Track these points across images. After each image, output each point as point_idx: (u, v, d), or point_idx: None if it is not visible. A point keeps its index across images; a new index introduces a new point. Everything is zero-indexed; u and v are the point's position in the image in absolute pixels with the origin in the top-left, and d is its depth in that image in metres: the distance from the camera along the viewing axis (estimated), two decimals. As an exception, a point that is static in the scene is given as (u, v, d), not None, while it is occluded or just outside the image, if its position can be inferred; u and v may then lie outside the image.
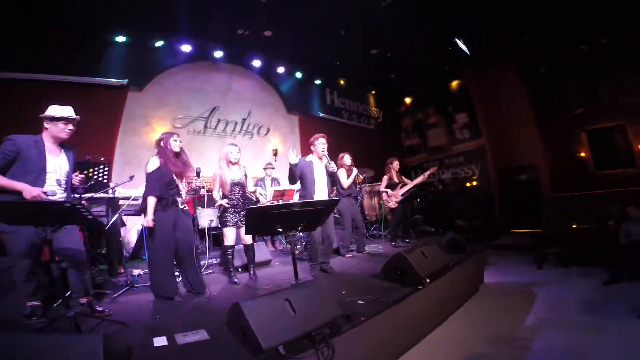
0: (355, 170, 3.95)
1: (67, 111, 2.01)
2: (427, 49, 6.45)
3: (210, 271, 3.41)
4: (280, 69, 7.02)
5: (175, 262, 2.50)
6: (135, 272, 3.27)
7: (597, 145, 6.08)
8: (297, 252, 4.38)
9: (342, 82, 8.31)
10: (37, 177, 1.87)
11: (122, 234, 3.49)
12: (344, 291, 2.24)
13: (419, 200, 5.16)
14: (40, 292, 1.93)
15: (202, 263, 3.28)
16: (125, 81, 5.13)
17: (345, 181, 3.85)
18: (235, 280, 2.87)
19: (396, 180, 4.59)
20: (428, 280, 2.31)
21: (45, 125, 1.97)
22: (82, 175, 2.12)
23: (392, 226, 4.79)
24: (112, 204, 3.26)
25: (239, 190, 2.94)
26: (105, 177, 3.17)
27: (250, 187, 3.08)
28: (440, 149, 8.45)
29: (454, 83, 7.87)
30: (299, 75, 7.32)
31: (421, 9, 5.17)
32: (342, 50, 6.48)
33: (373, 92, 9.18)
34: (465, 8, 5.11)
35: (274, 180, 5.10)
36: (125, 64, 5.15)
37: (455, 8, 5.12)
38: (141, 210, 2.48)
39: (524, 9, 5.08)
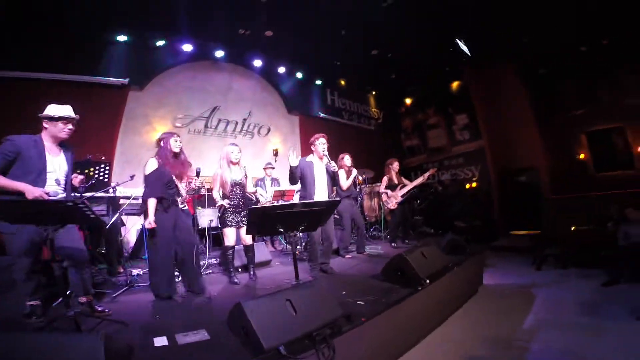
0: (354, 171, 3.94)
1: (66, 110, 2.00)
2: (427, 50, 6.47)
3: (210, 271, 3.41)
4: (281, 69, 7.03)
5: (175, 263, 2.50)
6: (135, 271, 3.27)
7: (597, 146, 6.10)
8: (297, 252, 4.38)
9: (342, 82, 8.32)
10: (38, 177, 1.87)
11: (122, 233, 3.48)
12: (344, 292, 2.25)
13: (419, 201, 5.17)
14: (40, 292, 1.92)
15: (202, 263, 3.28)
16: (126, 80, 5.13)
17: (345, 182, 3.85)
18: (235, 280, 2.87)
19: (396, 181, 4.60)
20: (428, 281, 2.32)
21: (45, 125, 1.96)
22: (82, 176, 2.11)
23: (392, 227, 4.80)
24: (113, 203, 3.26)
25: (239, 191, 2.94)
26: (106, 176, 3.17)
27: (250, 188, 3.07)
28: (440, 150, 8.46)
29: (454, 84, 7.89)
30: (299, 75, 7.33)
31: (422, 10, 5.19)
32: (342, 50, 6.50)
33: (373, 92, 9.19)
34: (465, 9, 5.12)
35: (274, 180, 5.10)
36: (126, 63, 5.15)
37: (455, 9, 5.13)
38: (142, 212, 2.48)
39: (524, 10, 5.10)
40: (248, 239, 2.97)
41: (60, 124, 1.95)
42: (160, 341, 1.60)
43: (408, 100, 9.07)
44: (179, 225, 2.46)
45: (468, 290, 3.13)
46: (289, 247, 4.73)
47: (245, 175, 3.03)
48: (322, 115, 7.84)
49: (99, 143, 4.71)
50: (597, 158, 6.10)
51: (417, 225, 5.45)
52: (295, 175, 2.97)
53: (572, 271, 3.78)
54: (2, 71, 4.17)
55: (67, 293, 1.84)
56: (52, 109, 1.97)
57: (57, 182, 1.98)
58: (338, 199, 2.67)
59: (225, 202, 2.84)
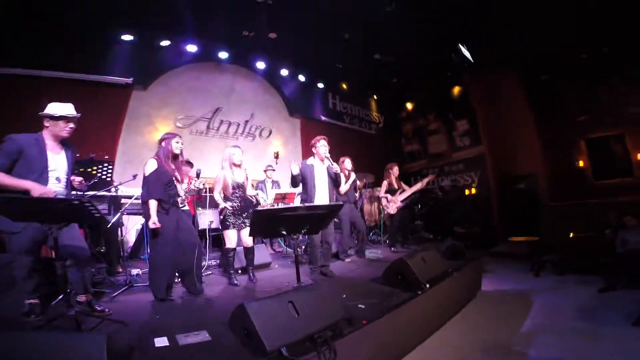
0: (353, 175, 3.94)
1: (67, 109, 1.99)
2: (428, 55, 6.53)
3: (210, 272, 3.42)
4: (284, 72, 7.06)
5: (176, 264, 2.50)
6: (134, 271, 3.26)
7: (596, 153, 6.14)
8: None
9: (344, 86, 8.37)
10: (40, 176, 1.87)
11: (122, 233, 3.48)
12: (345, 295, 2.25)
13: (419, 206, 5.20)
14: (39, 290, 1.92)
15: (202, 264, 3.28)
16: (130, 80, 5.16)
17: (343, 186, 3.84)
18: (235, 282, 2.87)
19: (395, 185, 4.62)
20: (428, 286, 2.34)
21: (46, 123, 1.95)
22: (80, 178, 2.10)
23: (391, 232, 4.81)
24: (114, 203, 3.26)
25: (240, 193, 2.96)
26: (109, 175, 3.18)
27: (250, 190, 3.09)
28: (441, 155, 8.50)
29: (456, 89, 7.94)
30: (301, 78, 7.37)
31: (424, 15, 5.25)
32: (344, 54, 6.55)
33: (375, 96, 9.25)
34: (467, 15, 5.19)
35: (275, 182, 5.12)
36: (130, 62, 5.18)
37: (457, 14, 5.20)
38: (144, 213, 2.48)
39: (525, 17, 5.16)
40: (249, 241, 2.97)
41: (61, 123, 1.95)
42: (161, 341, 1.59)
43: (409, 105, 9.13)
44: (180, 227, 2.47)
45: (467, 295, 3.15)
46: (288, 249, 4.73)
47: (247, 177, 3.05)
48: (323, 118, 7.89)
49: (101, 142, 4.72)
50: (596, 165, 6.14)
51: (417, 230, 5.46)
52: (297, 179, 3.00)
53: (570, 277, 3.80)
54: (4, 68, 4.19)
55: (68, 292, 1.85)
56: (53, 108, 1.96)
57: (58, 180, 1.98)
58: (341, 202, 2.69)
59: (228, 205, 2.85)
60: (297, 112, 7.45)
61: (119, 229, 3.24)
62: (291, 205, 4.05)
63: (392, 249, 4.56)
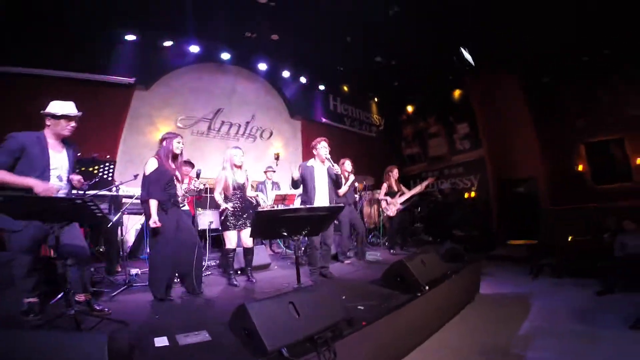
0: (352, 177, 3.95)
1: (69, 107, 1.98)
2: (430, 58, 6.58)
3: (209, 273, 3.41)
4: (286, 73, 7.09)
5: (176, 264, 2.50)
6: (134, 271, 3.25)
7: (595, 158, 6.17)
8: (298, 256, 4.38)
9: (345, 88, 8.42)
10: (41, 174, 1.86)
11: (122, 233, 3.48)
12: (344, 296, 2.26)
13: (419, 209, 5.22)
14: (38, 289, 1.92)
15: (202, 265, 3.27)
16: (132, 80, 5.18)
17: (341, 188, 3.85)
18: (235, 282, 2.88)
19: (395, 188, 4.64)
20: (427, 288, 2.35)
21: (47, 122, 1.95)
22: (79, 176, 2.09)
23: (391, 234, 4.82)
24: (115, 202, 3.26)
25: (241, 194, 2.97)
26: (111, 175, 3.18)
27: (249, 192, 3.10)
28: (441, 158, 8.53)
29: (456, 93, 7.98)
30: (303, 80, 7.40)
31: (426, 18, 5.30)
32: (346, 56, 6.59)
33: (375, 99, 9.30)
34: (468, 18, 5.24)
35: (275, 184, 5.13)
36: (133, 62, 5.21)
37: (458, 18, 5.25)
38: (144, 212, 2.49)
39: (526, 20, 5.21)
40: (249, 242, 2.98)
41: (63, 122, 1.95)
42: (161, 341, 1.59)
43: (410, 108, 9.17)
44: (180, 226, 2.48)
45: (465, 297, 3.16)
46: (288, 251, 4.74)
47: (247, 178, 3.06)
48: (324, 120, 7.92)
49: (103, 141, 4.73)
50: (596, 169, 6.17)
51: (416, 232, 5.48)
52: (298, 182, 3.02)
53: (568, 280, 3.82)
54: (6, 67, 4.21)
55: (67, 291, 1.84)
56: (55, 106, 1.95)
57: (60, 178, 1.98)
58: (342, 204, 2.69)
59: (230, 206, 2.85)
60: (298, 113, 7.48)
61: (119, 228, 3.24)
62: (291, 206, 4.06)
63: (391, 251, 4.57)
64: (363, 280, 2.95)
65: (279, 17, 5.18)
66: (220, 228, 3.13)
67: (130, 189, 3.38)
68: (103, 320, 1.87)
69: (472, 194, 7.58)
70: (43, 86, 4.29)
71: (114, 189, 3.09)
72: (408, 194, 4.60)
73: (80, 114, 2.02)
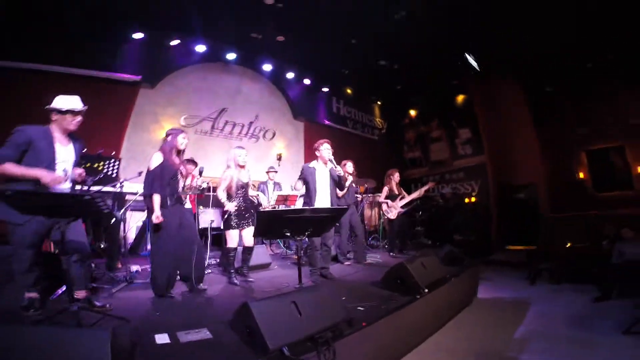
0: (350, 179, 3.94)
1: (74, 102, 1.99)
2: (434, 62, 6.61)
3: (210, 271, 3.42)
4: (290, 75, 7.12)
5: (177, 261, 2.51)
6: (134, 268, 3.27)
7: (596, 165, 6.17)
8: (295, 256, 4.40)
9: (349, 90, 8.45)
10: (47, 167, 1.88)
11: (125, 229, 3.49)
12: (344, 297, 2.27)
13: (420, 213, 5.24)
14: (39, 284, 1.92)
15: (204, 263, 3.28)
16: (138, 77, 5.22)
17: (343, 190, 3.85)
18: (235, 281, 2.89)
19: (396, 191, 4.65)
20: (427, 290, 2.36)
21: (53, 117, 1.97)
22: (81, 170, 2.10)
23: (391, 237, 4.83)
24: (119, 199, 3.28)
25: (244, 193, 2.99)
26: (115, 171, 3.20)
27: (250, 191, 3.12)
28: (442, 163, 8.54)
29: (459, 97, 8.01)
30: (307, 81, 7.43)
31: (431, 23, 5.33)
32: (351, 58, 6.63)
33: (378, 102, 9.33)
34: (472, 24, 5.27)
35: (276, 184, 5.15)
36: (140, 60, 5.25)
37: (463, 23, 5.28)
38: (146, 208, 2.50)
39: (530, 27, 5.24)
40: (250, 241, 2.99)
41: (68, 117, 1.96)
42: (162, 339, 1.59)
43: (412, 112, 9.20)
44: (183, 224, 2.49)
45: (463, 301, 3.18)
46: (288, 251, 4.75)
47: (249, 178, 3.08)
48: (327, 122, 7.95)
49: (107, 138, 4.77)
50: (597, 177, 6.17)
51: (417, 235, 5.49)
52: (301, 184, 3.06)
53: (566, 286, 3.84)
54: (14, 62, 4.24)
55: (69, 287, 1.85)
56: (60, 101, 1.97)
57: (65, 172, 1.99)
58: (345, 206, 2.71)
59: (233, 205, 2.86)
60: (301, 115, 7.51)
61: (122, 225, 3.25)
62: (292, 207, 4.07)
63: (391, 253, 4.58)
64: (363, 281, 2.96)
65: (285, 18, 5.22)
66: (221, 227, 3.14)
67: (134, 186, 3.40)
68: (104, 316, 1.88)
69: (473, 199, 7.59)
70: (49, 82, 4.32)
71: (118, 185, 3.11)
72: (408, 198, 4.63)
73: (86, 107, 2.04)
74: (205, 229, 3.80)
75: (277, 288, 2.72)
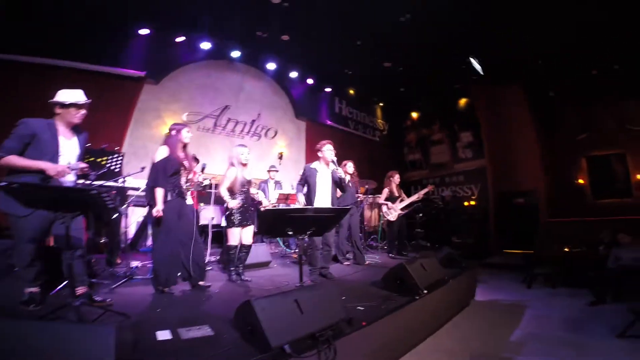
0: (347, 178, 3.94)
1: (77, 95, 1.99)
2: (437, 66, 6.63)
3: (210, 268, 3.43)
4: (293, 74, 7.13)
5: (178, 256, 2.52)
6: (134, 263, 3.27)
7: (596, 172, 6.18)
8: (294, 255, 4.42)
9: (351, 91, 8.46)
10: (51, 160, 1.88)
11: (127, 224, 3.49)
12: (344, 297, 2.29)
13: (421, 215, 5.26)
14: (40, 278, 1.92)
15: (204, 260, 3.29)
16: (143, 73, 5.22)
17: (345, 192, 3.85)
18: (235, 279, 2.90)
19: (396, 193, 4.67)
20: (425, 291, 2.38)
21: (57, 111, 1.97)
22: (85, 165, 2.09)
23: (390, 238, 4.85)
24: (121, 194, 3.28)
25: (246, 191, 3.00)
26: (119, 166, 3.21)
27: (251, 190, 3.13)
28: (442, 166, 8.56)
29: (462, 101, 8.03)
30: (310, 81, 7.44)
31: (436, 27, 5.35)
32: (354, 60, 6.64)
33: (380, 104, 9.35)
34: (477, 29, 5.29)
35: (277, 183, 5.16)
36: (145, 56, 5.25)
37: (468, 28, 5.30)
38: (148, 201, 2.50)
39: (535, 34, 5.26)
40: (248, 239, 3.00)
41: (72, 110, 1.97)
42: (163, 335, 1.60)
43: (414, 114, 9.22)
44: (182, 217, 2.50)
45: (461, 302, 3.21)
46: (287, 250, 4.76)
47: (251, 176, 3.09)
48: (329, 122, 7.96)
49: (110, 132, 4.77)
50: (596, 184, 6.18)
51: (416, 237, 5.51)
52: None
53: (562, 290, 3.88)
54: (18, 56, 4.24)
55: (72, 282, 1.84)
56: (63, 95, 1.97)
57: (69, 165, 1.98)
58: (348, 206, 2.71)
59: (237, 202, 2.87)
60: (303, 114, 7.52)
61: (124, 220, 3.26)
62: (293, 206, 4.08)
63: (390, 255, 4.60)
64: (362, 281, 2.98)
65: (290, 17, 5.23)
66: (221, 224, 3.14)
67: (136, 181, 3.41)
68: (106, 312, 1.87)
69: (472, 203, 7.62)
70: (55, 76, 4.33)
71: (121, 180, 3.12)
72: (407, 201, 4.66)
73: (89, 101, 2.04)
74: (206, 226, 3.81)
75: (277, 286, 2.73)
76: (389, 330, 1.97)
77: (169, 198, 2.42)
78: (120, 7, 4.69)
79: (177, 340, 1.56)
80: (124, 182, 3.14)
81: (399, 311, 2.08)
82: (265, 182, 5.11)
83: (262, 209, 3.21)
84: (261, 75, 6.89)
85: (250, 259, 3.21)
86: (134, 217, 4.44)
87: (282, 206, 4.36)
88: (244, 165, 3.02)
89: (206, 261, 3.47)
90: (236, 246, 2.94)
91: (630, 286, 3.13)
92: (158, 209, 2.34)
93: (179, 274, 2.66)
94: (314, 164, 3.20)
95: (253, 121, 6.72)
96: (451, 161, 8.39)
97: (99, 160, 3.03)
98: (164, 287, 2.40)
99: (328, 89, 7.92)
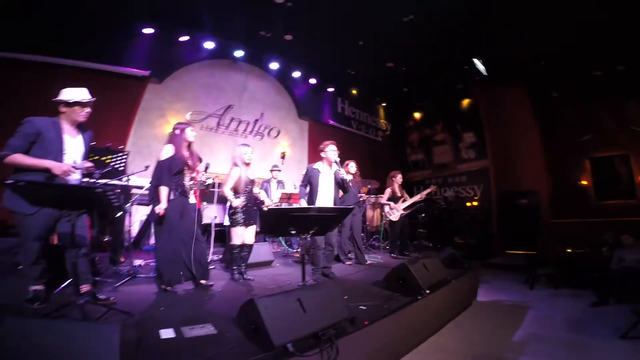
0: (349, 178, 3.93)
1: (81, 94, 1.99)
2: (440, 66, 6.61)
3: (213, 267, 3.45)
4: (296, 74, 7.14)
5: (181, 254, 2.54)
6: (137, 262, 3.29)
7: (600, 173, 6.15)
8: (296, 254, 4.43)
9: (354, 91, 8.46)
10: (55, 159, 1.89)
11: (130, 223, 3.52)
12: (346, 296, 2.29)
13: (423, 215, 5.25)
14: (45, 276, 1.93)
15: (207, 259, 3.30)
16: (147, 72, 5.25)
17: (347, 193, 3.83)
18: (237, 278, 2.91)
19: (399, 193, 4.67)
20: (428, 291, 2.38)
21: (62, 109, 1.97)
22: (89, 163, 2.09)
23: (392, 239, 4.85)
24: (125, 192, 3.30)
25: (249, 190, 3.01)
26: (123, 165, 3.23)
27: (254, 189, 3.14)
28: (445, 166, 8.54)
29: (465, 102, 8.00)
30: (313, 81, 7.45)
31: (439, 27, 5.34)
32: (357, 60, 6.64)
33: (383, 104, 9.33)
34: (481, 30, 5.27)
35: (280, 182, 5.17)
36: (149, 55, 5.28)
37: (471, 29, 5.28)
38: (151, 199, 2.52)
39: (539, 37, 5.24)
40: (250, 239, 3.00)
41: (77, 108, 1.97)
42: (167, 333, 1.60)
43: (417, 115, 9.20)
44: (184, 214, 2.51)
45: (463, 303, 3.21)
46: (289, 249, 4.77)
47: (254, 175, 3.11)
48: (331, 122, 7.96)
49: (113, 131, 4.80)
50: (600, 185, 6.15)
51: (418, 237, 5.50)
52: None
53: (564, 291, 3.87)
54: (22, 54, 4.26)
55: (77, 280, 1.86)
56: (67, 94, 1.97)
57: (74, 163, 1.99)
58: (351, 206, 2.71)
59: (241, 201, 2.87)
60: (306, 114, 7.53)
61: (127, 218, 3.28)
62: (295, 205, 4.08)
63: (392, 255, 4.60)
64: (364, 281, 2.99)
65: (293, 17, 5.23)
66: (224, 223, 3.15)
67: (140, 180, 3.42)
68: (110, 310, 1.88)
69: (475, 203, 7.59)
70: (59, 75, 4.35)
71: (125, 179, 3.14)
72: (410, 201, 4.65)
73: (93, 99, 2.04)
74: (209, 225, 3.82)
75: (279, 285, 2.74)
76: (391, 330, 1.97)
77: (172, 197, 2.44)
78: (124, 5, 4.72)
79: (180, 339, 1.57)
80: (128, 180, 3.16)
81: (401, 311, 2.09)
82: (268, 181, 5.12)
83: (264, 208, 3.21)
84: (264, 75, 6.90)
85: (253, 258, 3.22)
86: (137, 216, 4.47)
87: (284, 206, 4.37)
88: (247, 164, 3.03)
89: (209, 260, 3.51)
90: (239, 246, 2.95)
91: (634, 287, 3.12)
92: (161, 207, 2.36)
93: (182, 272, 2.68)
94: (317, 165, 3.20)
95: (256, 121, 6.73)
96: (454, 161, 8.36)
97: (103, 158, 3.06)
98: (167, 286, 2.41)
99: (331, 89, 7.92)
